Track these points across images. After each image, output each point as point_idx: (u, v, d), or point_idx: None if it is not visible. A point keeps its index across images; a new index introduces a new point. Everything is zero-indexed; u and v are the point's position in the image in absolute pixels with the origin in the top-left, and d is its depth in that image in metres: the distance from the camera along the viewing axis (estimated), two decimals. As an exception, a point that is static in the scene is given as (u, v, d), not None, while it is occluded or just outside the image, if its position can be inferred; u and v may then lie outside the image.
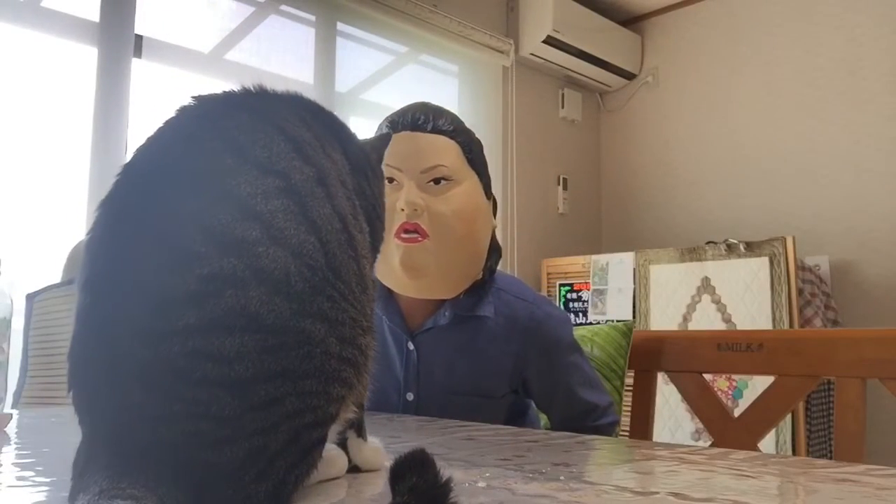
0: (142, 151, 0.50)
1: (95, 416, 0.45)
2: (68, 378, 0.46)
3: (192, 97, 0.53)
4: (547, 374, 1.15)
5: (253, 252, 0.45)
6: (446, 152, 1.09)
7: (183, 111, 0.52)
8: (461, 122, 1.14)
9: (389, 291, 1.13)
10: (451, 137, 1.11)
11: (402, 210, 1.04)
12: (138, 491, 0.41)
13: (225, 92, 0.54)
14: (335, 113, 0.63)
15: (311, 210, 0.48)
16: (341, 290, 0.49)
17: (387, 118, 1.14)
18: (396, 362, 1.14)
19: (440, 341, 1.13)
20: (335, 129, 0.60)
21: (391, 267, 1.06)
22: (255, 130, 0.50)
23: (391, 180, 1.07)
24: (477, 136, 1.16)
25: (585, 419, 1.15)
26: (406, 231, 1.05)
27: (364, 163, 0.62)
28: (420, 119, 1.10)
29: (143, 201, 0.47)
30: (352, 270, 0.51)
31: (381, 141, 0.71)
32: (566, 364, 1.16)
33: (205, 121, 0.51)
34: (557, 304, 3.21)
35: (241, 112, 0.52)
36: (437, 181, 1.07)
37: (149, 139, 0.50)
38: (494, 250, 1.17)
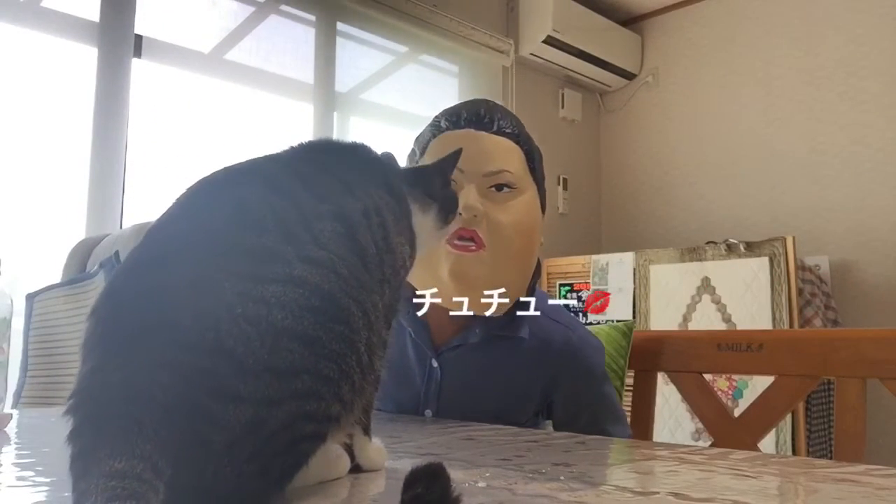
0: (229, 166, 0.57)
1: (120, 330, 0.45)
2: (98, 300, 0.47)
3: (270, 154, 0.61)
4: (573, 401, 1.08)
5: (303, 247, 0.50)
6: (511, 157, 1.01)
7: (254, 158, 0.59)
8: (524, 127, 1.06)
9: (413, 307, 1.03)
10: (516, 142, 1.02)
11: (459, 213, 0.91)
12: (132, 477, 0.39)
13: (292, 148, 0.62)
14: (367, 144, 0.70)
15: (359, 235, 0.55)
16: (377, 303, 0.55)
17: (444, 111, 1.05)
18: (417, 378, 1.06)
19: (467, 361, 1.04)
20: (378, 168, 0.66)
21: (437, 276, 0.96)
22: (315, 172, 0.58)
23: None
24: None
25: None
26: (461, 238, 0.95)
27: (405, 196, 0.68)
28: (485, 118, 1.01)
29: (225, 187, 0.54)
30: (381, 293, 0.56)
31: (452, 159, 0.77)
32: (596, 394, 1.09)
33: (276, 160, 0.60)
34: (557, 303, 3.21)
35: (299, 162, 0.60)
36: (499, 187, 0.99)
37: (235, 164, 0.58)
38: (537, 267, 1.08)
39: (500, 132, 1.01)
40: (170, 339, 0.44)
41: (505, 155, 1.00)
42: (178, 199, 0.53)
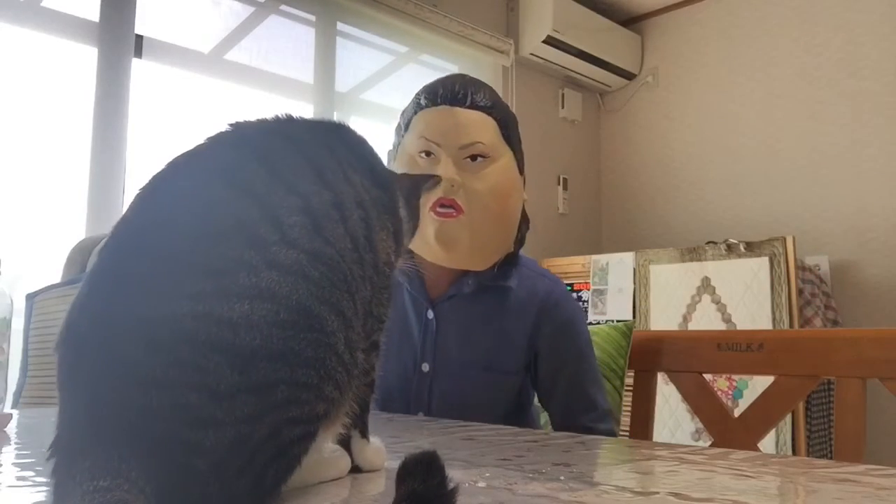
0: (182, 154, 0.52)
1: (84, 375, 0.44)
2: (59, 337, 0.45)
3: (230, 123, 0.55)
4: (556, 354, 1.15)
5: (269, 249, 0.47)
6: (484, 129, 1.10)
7: (221, 133, 0.55)
8: (498, 97, 1.15)
9: (410, 259, 1.12)
10: (489, 114, 1.11)
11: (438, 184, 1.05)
12: (120, 491, 0.40)
13: (260, 119, 0.58)
14: (352, 128, 0.66)
15: (325, 230, 0.51)
16: (355, 300, 0.52)
17: (424, 88, 1.14)
18: (415, 331, 1.15)
19: (461, 311, 1.14)
20: (362, 153, 0.63)
21: (424, 238, 1.07)
22: (286, 155, 0.54)
23: (428, 154, 1.09)
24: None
25: (583, 416, 1.15)
26: (442, 206, 1.06)
27: (391, 183, 0.64)
28: (459, 93, 1.10)
29: (185, 187, 0.50)
30: (361, 290, 0.54)
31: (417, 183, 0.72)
32: (577, 350, 1.16)
33: (244, 138, 0.55)
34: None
35: (274, 137, 0.56)
36: (473, 158, 1.09)
37: (189, 148, 0.53)
38: (524, 221, 1.19)
39: (473, 106, 1.11)
40: (132, 380, 0.42)
41: (478, 128, 1.10)
42: (131, 206, 0.49)
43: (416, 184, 0.71)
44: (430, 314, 1.14)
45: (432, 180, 0.75)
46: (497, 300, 1.14)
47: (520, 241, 1.18)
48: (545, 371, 1.16)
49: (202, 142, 0.54)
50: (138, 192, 0.50)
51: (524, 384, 1.18)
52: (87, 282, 0.47)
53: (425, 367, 1.13)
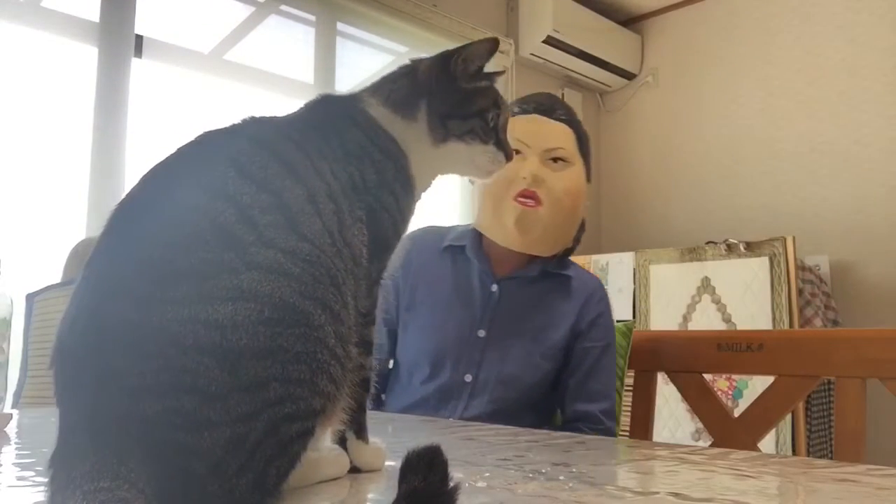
0: (156, 165, 0.54)
1: (77, 388, 0.44)
2: (52, 353, 0.47)
3: (198, 135, 0.57)
4: (590, 337, 1.28)
5: (247, 251, 0.48)
6: (566, 138, 1.30)
7: (189, 142, 0.56)
8: (575, 114, 1.37)
9: (479, 240, 1.32)
10: (570, 126, 1.32)
11: (524, 178, 1.23)
12: (121, 491, 0.40)
13: (226, 126, 0.59)
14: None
15: (301, 226, 0.51)
16: (341, 292, 0.52)
17: (516, 101, 1.35)
18: (477, 301, 1.29)
19: (523, 289, 1.30)
20: (330, 129, 0.62)
21: (503, 223, 1.25)
22: (253, 153, 0.54)
23: (517, 152, 1.21)
24: None
25: (596, 403, 1.24)
26: (524, 196, 1.23)
27: (369, 149, 0.62)
28: (547, 105, 1.32)
29: (159, 196, 0.51)
30: (347, 283, 0.53)
31: (482, 49, 0.70)
32: (606, 340, 1.29)
33: (210, 144, 0.56)
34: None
35: (239, 139, 0.56)
36: (555, 160, 1.27)
37: (160, 160, 0.54)
38: (582, 224, 1.38)
39: (558, 118, 1.31)
40: (125, 389, 0.43)
41: (561, 136, 1.29)
42: (110, 220, 0.50)
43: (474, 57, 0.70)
44: (495, 287, 1.29)
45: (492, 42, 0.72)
46: (556, 285, 1.31)
47: (576, 240, 1.36)
48: (577, 349, 1.28)
49: (171, 152, 0.55)
50: (116, 206, 0.51)
51: (556, 379, 1.27)
52: (75, 296, 0.48)
53: (481, 332, 1.26)
